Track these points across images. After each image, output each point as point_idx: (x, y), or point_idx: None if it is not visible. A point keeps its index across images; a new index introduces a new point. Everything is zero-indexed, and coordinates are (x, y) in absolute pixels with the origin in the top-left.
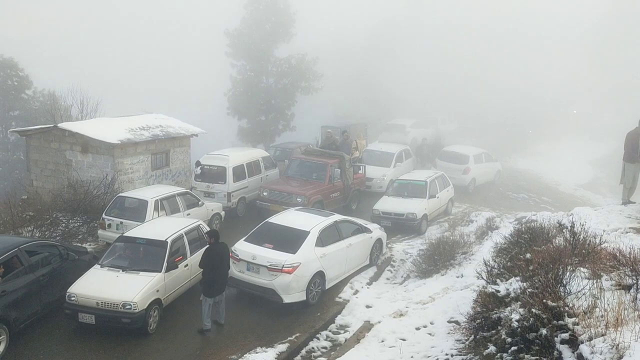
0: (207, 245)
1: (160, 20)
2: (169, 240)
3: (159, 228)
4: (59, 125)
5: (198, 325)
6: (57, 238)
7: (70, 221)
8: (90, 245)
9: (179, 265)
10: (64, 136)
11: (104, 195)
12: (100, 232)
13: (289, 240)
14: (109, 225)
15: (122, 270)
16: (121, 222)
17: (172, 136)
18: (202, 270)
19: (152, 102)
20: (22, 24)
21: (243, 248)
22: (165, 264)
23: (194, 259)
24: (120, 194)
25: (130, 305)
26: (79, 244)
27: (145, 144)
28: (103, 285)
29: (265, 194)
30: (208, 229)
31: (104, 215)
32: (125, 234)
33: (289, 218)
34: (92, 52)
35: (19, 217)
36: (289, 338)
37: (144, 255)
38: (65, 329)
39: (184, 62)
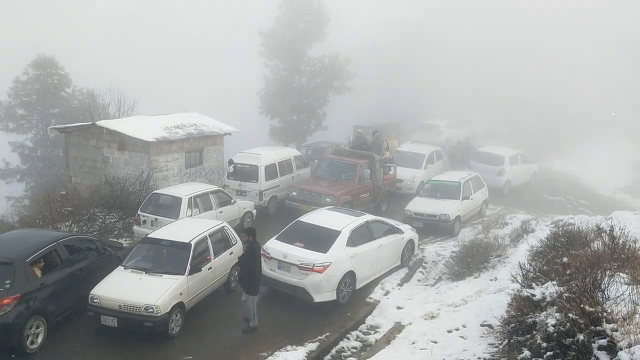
0: (247, 244)
1: (197, 20)
2: (192, 243)
3: (183, 230)
4: (97, 123)
5: (224, 327)
6: (94, 233)
7: (107, 217)
8: (125, 240)
9: (202, 268)
10: (102, 134)
11: (140, 192)
12: (135, 228)
13: (320, 239)
14: (144, 222)
15: (146, 273)
16: (156, 219)
17: (206, 135)
18: (239, 269)
19: (187, 100)
20: (62, 24)
21: (274, 246)
22: (188, 267)
23: (218, 261)
24: (155, 191)
25: (152, 308)
26: (115, 240)
27: (180, 142)
28: (126, 288)
29: (294, 193)
30: (233, 230)
31: (139, 212)
32: (149, 235)
33: (320, 217)
34: (129, 50)
35: (57, 212)
36: (319, 337)
37: (167, 257)
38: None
39: (219, 62)
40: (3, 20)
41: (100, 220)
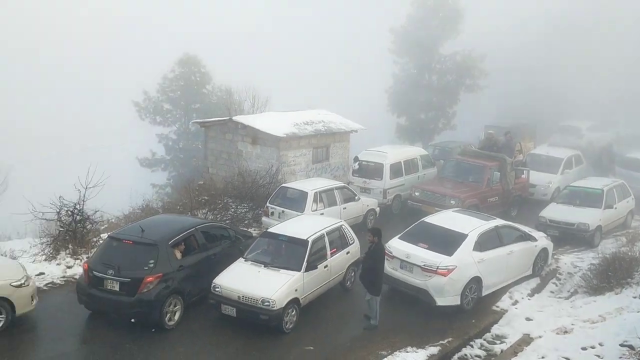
0: (372, 244)
1: (325, 18)
2: (310, 240)
3: (302, 226)
4: (234, 118)
5: (341, 323)
6: (227, 221)
7: (239, 207)
8: (254, 230)
9: (318, 266)
10: (237, 128)
11: (269, 185)
12: (264, 219)
13: (446, 241)
14: (272, 213)
15: (264, 266)
16: (283, 211)
17: (333, 131)
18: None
19: (316, 97)
20: (207, 24)
21: (397, 246)
22: (305, 264)
23: (335, 260)
24: (283, 185)
25: (268, 302)
26: (245, 229)
27: (308, 138)
28: (245, 280)
29: (417, 194)
30: (350, 230)
31: (267, 204)
32: (268, 230)
33: (447, 219)
34: (263, 48)
35: (195, 201)
36: (441, 342)
37: (285, 253)
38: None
39: (347, 59)
40: (156, 20)
41: (233, 209)
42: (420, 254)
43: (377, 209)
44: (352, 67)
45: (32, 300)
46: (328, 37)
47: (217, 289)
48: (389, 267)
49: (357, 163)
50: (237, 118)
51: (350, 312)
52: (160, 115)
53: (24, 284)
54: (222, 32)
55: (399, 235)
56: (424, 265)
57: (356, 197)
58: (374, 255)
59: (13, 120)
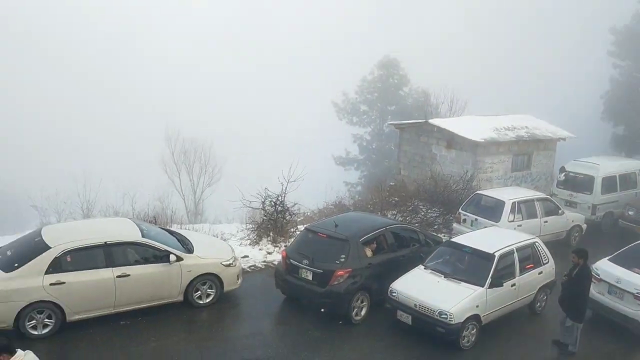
0: (576, 266)
1: (532, 20)
2: (496, 254)
3: (490, 239)
4: (429, 121)
5: (530, 347)
6: (416, 224)
7: (429, 211)
8: (444, 236)
9: (504, 283)
10: (433, 131)
11: (462, 191)
12: (455, 225)
13: None
14: (464, 220)
15: (444, 277)
16: (476, 219)
17: (538, 138)
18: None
19: (518, 102)
20: (403, 25)
21: (606, 268)
22: (489, 279)
23: (524, 279)
24: (478, 192)
25: (446, 314)
26: (435, 234)
27: (508, 144)
28: (423, 288)
29: (630, 212)
30: (545, 248)
31: (460, 210)
32: (452, 240)
33: None
34: (463, 50)
35: (386, 201)
36: None
37: (468, 265)
38: None
39: (557, 63)
40: (357, 22)
41: (422, 213)
42: (635, 280)
43: (584, 226)
44: (559, 71)
45: (238, 279)
46: (532, 40)
47: (394, 294)
48: (594, 291)
49: (563, 174)
50: (433, 121)
51: (538, 336)
52: (357, 116)
53: (232, 264)
54: (421, 33)
55: (609, 257)
56: (638, 292)
57: (560, 211)
58: (578, 279)
59: (226, 119)
